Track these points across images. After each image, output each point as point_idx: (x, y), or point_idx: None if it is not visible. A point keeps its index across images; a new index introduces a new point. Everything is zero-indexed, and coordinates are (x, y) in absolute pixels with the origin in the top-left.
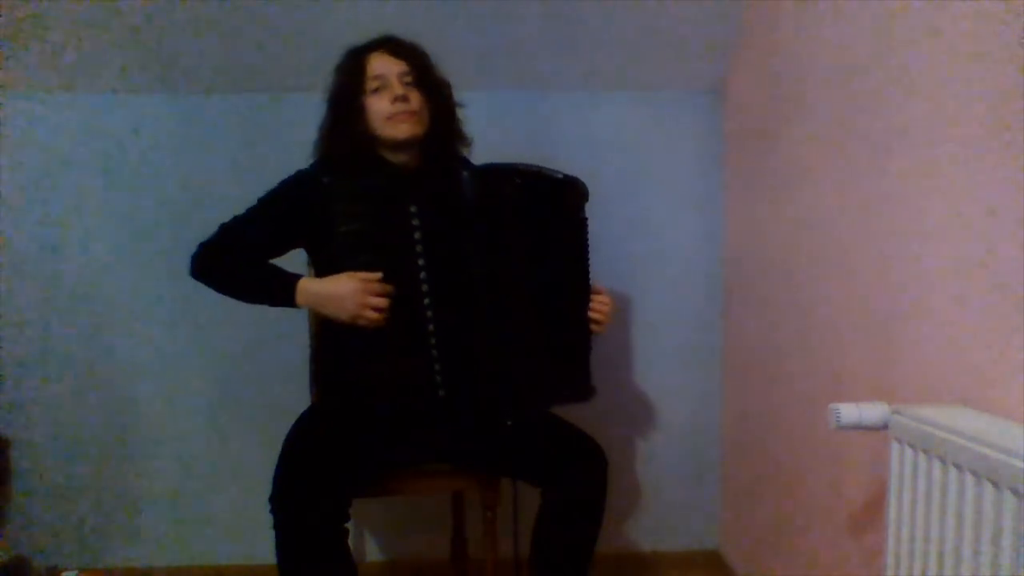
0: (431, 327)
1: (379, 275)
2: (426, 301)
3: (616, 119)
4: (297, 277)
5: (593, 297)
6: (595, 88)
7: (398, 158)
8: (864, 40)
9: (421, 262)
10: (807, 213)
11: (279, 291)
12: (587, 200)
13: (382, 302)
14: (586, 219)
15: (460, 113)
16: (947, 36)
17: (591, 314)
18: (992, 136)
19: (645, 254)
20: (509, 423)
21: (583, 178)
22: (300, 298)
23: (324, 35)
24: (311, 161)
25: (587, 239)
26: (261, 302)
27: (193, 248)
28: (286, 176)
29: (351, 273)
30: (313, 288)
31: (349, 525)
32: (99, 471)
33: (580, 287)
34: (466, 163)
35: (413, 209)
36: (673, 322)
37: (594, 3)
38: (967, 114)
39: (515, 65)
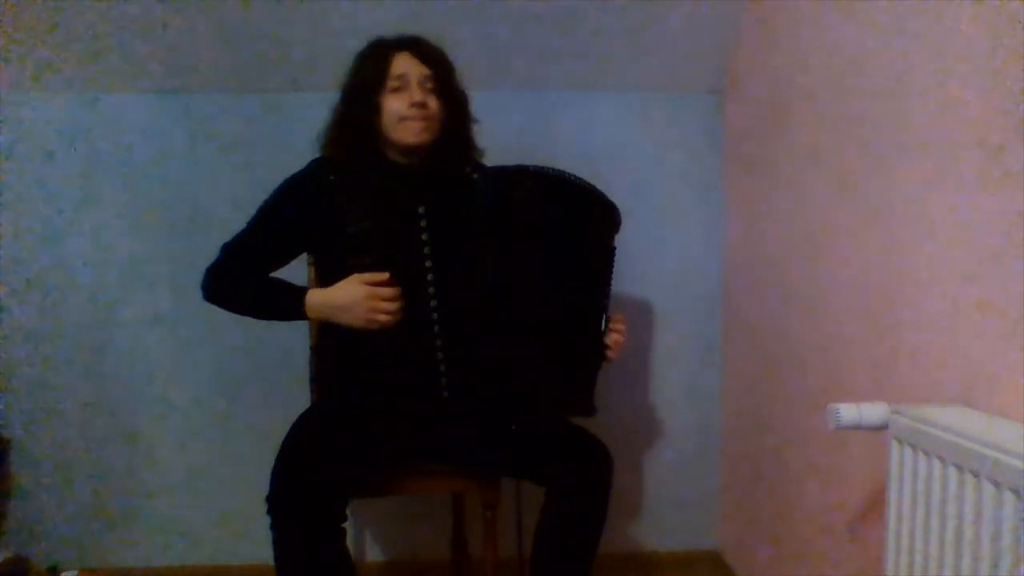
0: (436, 328)
1: (386, 276)
2: (432, 303)
3: (616, 119)
4: (304, 290)
5: (612, 325)
6: (595, 88)
7: (403, 161)
8: (864, 40)
9: (428, 263)
10: (807, 213)
11: (288, 307)
12: (617, 229)
13: (392, 305)
14: (614, 248)
15: (473, 126)
16: (947, 35)
17: (608, 339)
18: (992, 136)
19: (645, 255)
20: (514, 427)
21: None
22: (310, 311)
23: (325, 35)
24: (309, 160)
25: (612, 263)
26: (273, 319)
27: (192, 248)
28: (282, 178)
29: (356, 277)
30: (321, 299)
31: (347, 525)
32: (99, 471)
33: (595, 303)
34: (478, 166)
35: (421, 210)
36: (673, 322)
37: (595, 3)
38: (967, 114)
39: (515, 65)
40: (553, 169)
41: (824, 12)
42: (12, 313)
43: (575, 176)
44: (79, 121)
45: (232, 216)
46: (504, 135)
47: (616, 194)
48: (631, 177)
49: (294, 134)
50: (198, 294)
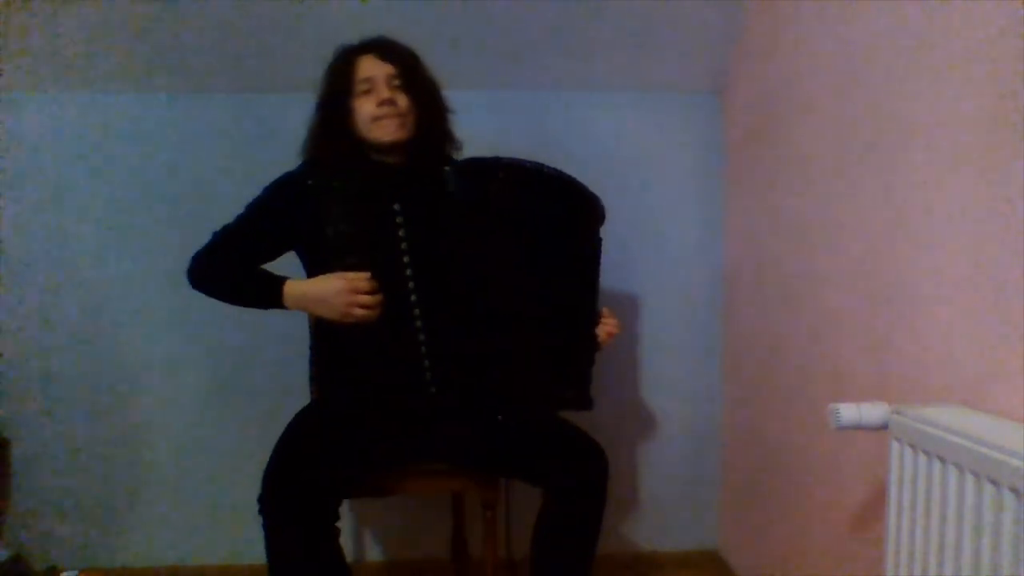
0: (419, 323)
1: (366, 275)
2: (413, 298)
3: (616, 119)
4: (283, 280)
5: (603, 318)
6: (595, 88)
7: (384, 160)
8: (864, 40)
9: (406, 259)
10: (807, 213)
11: (267, 295)
12: (602, 221)
13: (369, 299)
14: (600, 239)
15: (450, 116)
16: (947, 36)
17: (599, 329)
18: (992, 137)
19: (645, 254)
20: (500, 418)
21: (583, 179)
22: (288, 301)
23: (324, 35)
24: (298, 163)
25: (598, 254)
26: (253, 307)
27: (192, 250)
28: (277, 179)
29: (338, 273)
30: (299, 290)
31: (346, 525)
32: (99, 471)
33: (583, 295)
34: (451, 161)
35: (397, 207)
36: (673, 322)
37: (595, 3)
38: (967, 115)
39: (516, 65)
40: (530, 161)
41: (824, 12)
42: (12, 313)
43: (553, 168)
44: (79, 121)
45: (231, 215)
46: (504, 136)
47: (616, 194)
48: (631, 177)
49: (293, 134)
50: (198, 294)
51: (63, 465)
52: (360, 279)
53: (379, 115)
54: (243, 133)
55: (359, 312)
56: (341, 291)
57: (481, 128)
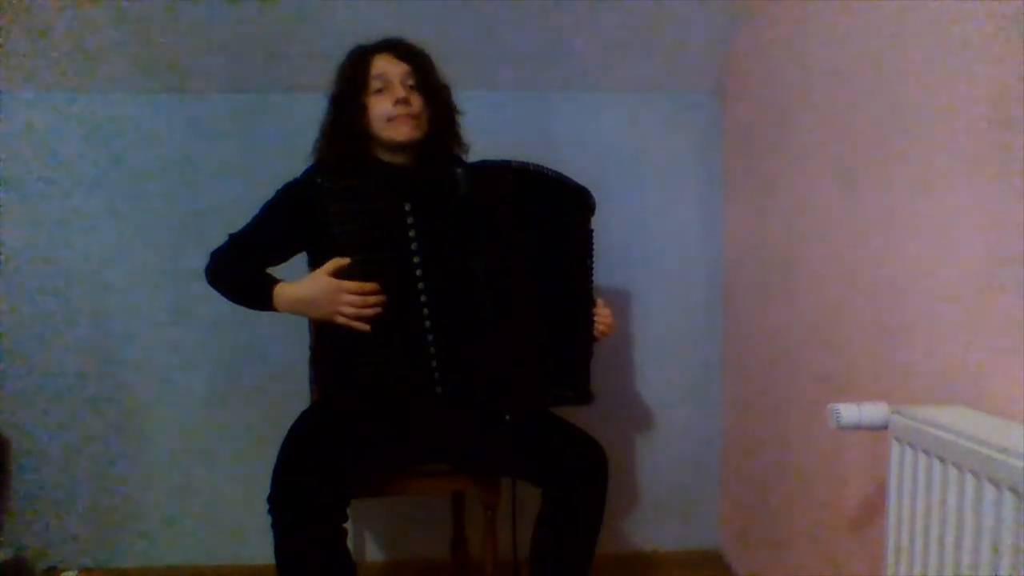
0: (428, 323)
1: (347, 261)
2: (422, 299)
3: (616, 119)
4: (275, 283)
5: (597, 309)
6: (595, 88)
7: (395, 159)
8: (864, 40)
9: (417, 259)
10: (807, 213)
11: (261, 298)
12: (593, 213)
13: (359, 299)
14: (592, 231)
15: (459, 118)
16: (947, 36)
17: (597, 321)
18: (992, 136)
19: (645, 254)
20: (508, 417)
21: (583, 179)
22: (279, 305)
23: (325, 35)
24: (308, 160)
25: (592, 248)
26: (252, 308)
27: (192, 248)
28: (285, 177)
29: (322, 269)
30: (289, 293)
31: (348, 525)
32: (99, 471)
33: (581, 292)
34: (460, 161)
35: (408, 207)
36: (673, 322)
37: (595, 4)
38: (967, 114)
39: (516, 66)
40: (535, 164)
41: (824, 12)
42: (12, 313)
43: (553, 171)
44: (79, 121)
45: (231, 216)
46: (504, 136)
47: (616, 194)
48: (631, 177)
49: (293, 134)
50: (198, 294)
51: (63, 465)
52: (350, 277)
53: (394, 114)
54: (243, 133)
55: (350, 311)
56: (328, 291)
57: (481, 128)
